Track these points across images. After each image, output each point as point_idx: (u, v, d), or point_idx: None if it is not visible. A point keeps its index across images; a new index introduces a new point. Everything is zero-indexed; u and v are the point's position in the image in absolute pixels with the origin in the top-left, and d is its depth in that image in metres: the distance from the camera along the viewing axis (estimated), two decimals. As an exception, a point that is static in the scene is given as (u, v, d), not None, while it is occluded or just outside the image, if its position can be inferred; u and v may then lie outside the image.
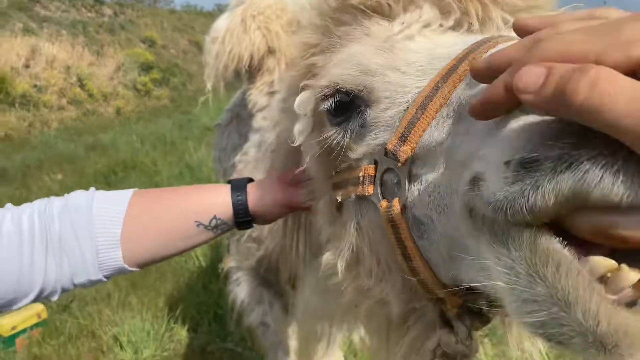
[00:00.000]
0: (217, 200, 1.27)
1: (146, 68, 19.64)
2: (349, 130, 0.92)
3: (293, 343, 2.36)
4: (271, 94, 2.22)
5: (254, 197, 1.28)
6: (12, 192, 7.36)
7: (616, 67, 0.44)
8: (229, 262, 2.41)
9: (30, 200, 1.20)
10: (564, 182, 0.48)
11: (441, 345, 0.91)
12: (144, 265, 1.26)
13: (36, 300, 1.15)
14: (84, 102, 16.28)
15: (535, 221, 0.53)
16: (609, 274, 0.51)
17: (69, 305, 4.24)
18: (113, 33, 22.34)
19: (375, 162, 0.88)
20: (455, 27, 0.92)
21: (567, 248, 0.52)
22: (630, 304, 0.50)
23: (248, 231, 2.05)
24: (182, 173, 7.75)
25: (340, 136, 0.93)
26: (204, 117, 11.93)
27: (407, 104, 0.81)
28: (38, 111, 14.64)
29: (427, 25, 0.90)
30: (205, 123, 11.31)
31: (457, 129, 0.71)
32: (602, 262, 0.51)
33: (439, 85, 0.74)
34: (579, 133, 0.48)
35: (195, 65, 22.47)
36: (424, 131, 0.76)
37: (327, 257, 1.08)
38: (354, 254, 0.98)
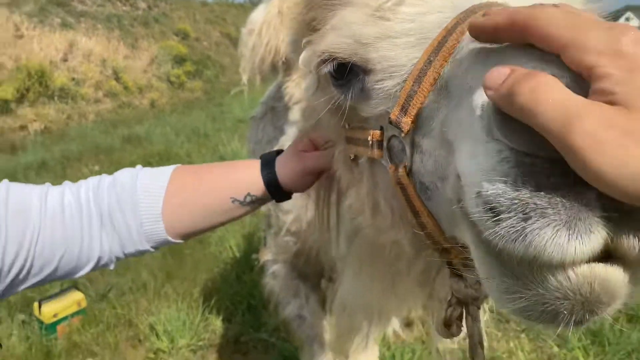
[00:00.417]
0: (250, 178, 1.33)
1: (179, 61, 19.96)
2: (349, 93, 0.93)
3: (328, 337, 2.36)
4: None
5: (281, 170, 1.33)
6: (53, 182, 7.53)
7: (570, 65, 0.52)
8: (266, 255, 2.42)
9: None
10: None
11: (453, 293, 0.95)
12: (187, 237, 1.34)
13: (94, 269, 1.25)
14: (120, 94, 16.68)
15: None
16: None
17: (106, 295, 4.33)
18: (147, 26, 22.77)
19: (382, 129, 0.90)
20: None
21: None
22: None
23: (286, 225, 2.05)
24: (215, 164, 7.82)
25: (342, 97, 0.95)
26: (237, 109, 12.03)
27: (405, 75, 0.82)
28: (76, 104, 15.07)
29: None
30: (238, 115, 11.41)
31: (449, 104, 0.73)
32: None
33: (431, 58, 0.75)
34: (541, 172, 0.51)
35: (228, 57, 22.71)
36: (421, 104, 0.77)
37: (349, 201, 1.15)
38: (370, 200, 1.04)
